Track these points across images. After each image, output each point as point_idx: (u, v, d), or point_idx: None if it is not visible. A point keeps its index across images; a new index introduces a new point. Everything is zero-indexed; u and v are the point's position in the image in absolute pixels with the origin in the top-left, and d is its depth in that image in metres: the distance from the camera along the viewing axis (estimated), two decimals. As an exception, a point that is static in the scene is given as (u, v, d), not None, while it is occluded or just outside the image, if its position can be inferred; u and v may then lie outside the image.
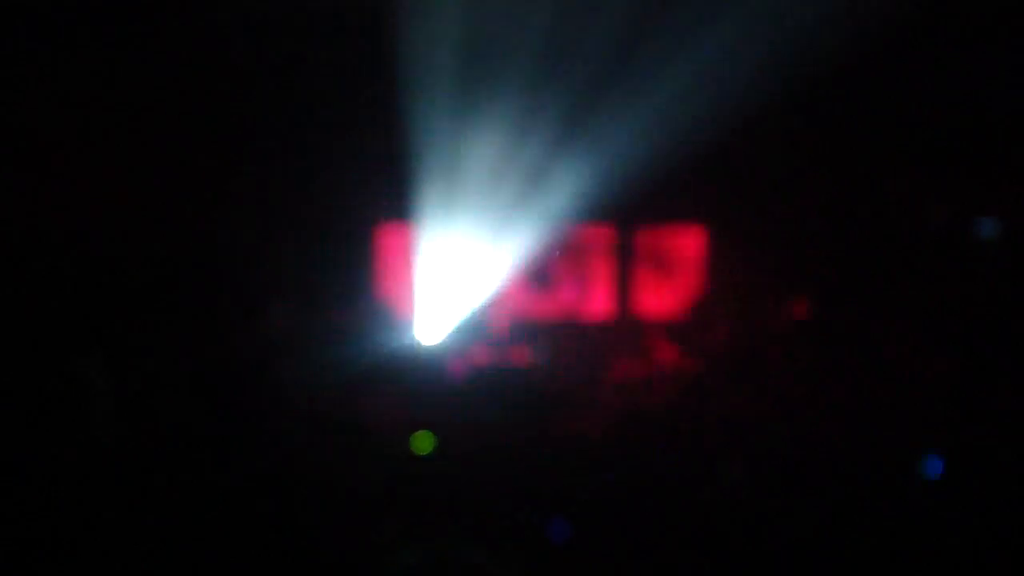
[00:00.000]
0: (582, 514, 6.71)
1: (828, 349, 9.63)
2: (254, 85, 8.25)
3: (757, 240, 10.18)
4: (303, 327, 7.97)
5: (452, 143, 9.99)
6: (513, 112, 9.14)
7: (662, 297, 10.83)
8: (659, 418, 9.55)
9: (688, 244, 10.81)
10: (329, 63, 8.29)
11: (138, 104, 8.13)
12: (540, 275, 10.69)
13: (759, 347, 9.95)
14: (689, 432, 9.30)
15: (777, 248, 10.00)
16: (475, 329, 10.46)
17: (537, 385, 9.88)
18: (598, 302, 10.79)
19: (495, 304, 10.59)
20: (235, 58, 7.99)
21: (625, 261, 10.82)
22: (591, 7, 8.12)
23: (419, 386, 9.71)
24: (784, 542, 6.05)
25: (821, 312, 9.98)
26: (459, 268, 10.51)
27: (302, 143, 8.91)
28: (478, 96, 8.86)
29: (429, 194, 10.11)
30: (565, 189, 10.31)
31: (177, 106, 8.09)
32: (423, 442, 8.08)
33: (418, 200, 10.15)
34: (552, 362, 10.28)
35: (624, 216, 10.67)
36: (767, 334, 10.17)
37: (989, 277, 9.42)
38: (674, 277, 10.83)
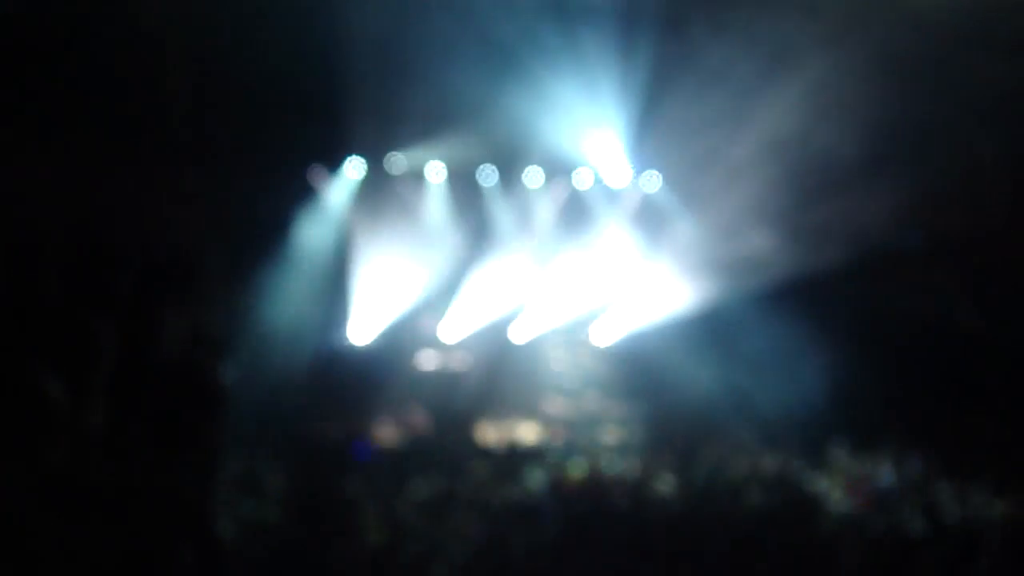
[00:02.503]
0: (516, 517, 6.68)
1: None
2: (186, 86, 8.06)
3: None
4: (239, 324, 7.81)
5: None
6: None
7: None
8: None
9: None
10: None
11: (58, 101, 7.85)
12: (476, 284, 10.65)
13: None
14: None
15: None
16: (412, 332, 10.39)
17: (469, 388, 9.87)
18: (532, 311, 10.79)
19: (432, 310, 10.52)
20: (173, 51, 7.78)
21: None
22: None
23: (354, 389, 9.61)
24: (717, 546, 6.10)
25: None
26: (396, 272, 10.42)
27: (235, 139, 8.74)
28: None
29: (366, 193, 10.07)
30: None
31: (111, 96, 7.83)
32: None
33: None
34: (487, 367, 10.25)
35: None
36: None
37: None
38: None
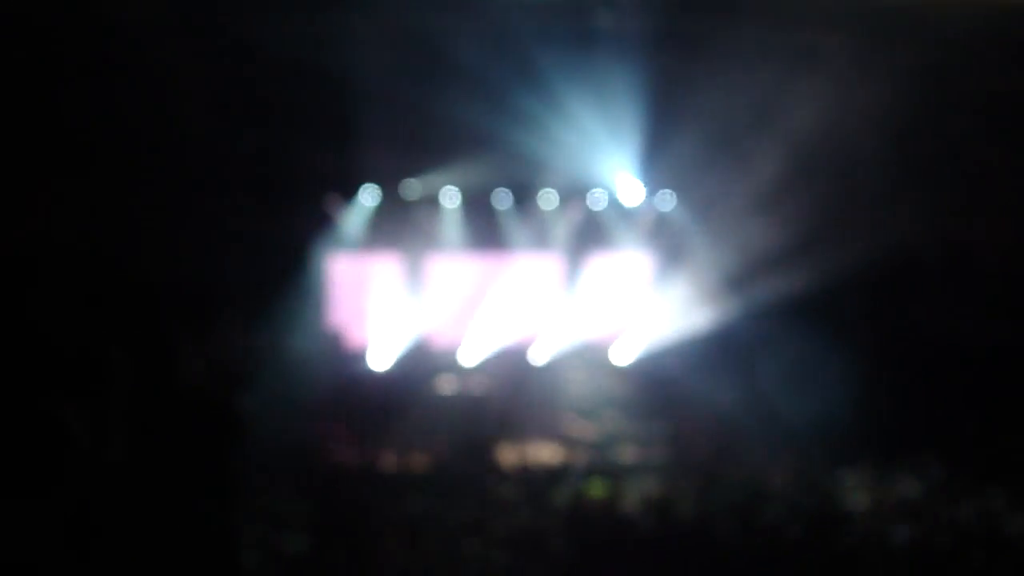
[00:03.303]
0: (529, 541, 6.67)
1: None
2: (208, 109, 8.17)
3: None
4: (256, 353, 7.85)
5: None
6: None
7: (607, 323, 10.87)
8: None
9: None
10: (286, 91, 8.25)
11: (85, 126, 7.99)
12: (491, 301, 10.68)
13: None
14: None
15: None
16: (428, 357, 10.42)
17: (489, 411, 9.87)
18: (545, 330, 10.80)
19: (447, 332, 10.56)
20: (191, 82, 7.90)
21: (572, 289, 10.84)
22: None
23: (372, 412, 9.64)
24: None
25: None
26: (413, 296, 10.47)
27: (257, 166, 8.87)
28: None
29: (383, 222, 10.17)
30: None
31: (129, 127, 7.96)
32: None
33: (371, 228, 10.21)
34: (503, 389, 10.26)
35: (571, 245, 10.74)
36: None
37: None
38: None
